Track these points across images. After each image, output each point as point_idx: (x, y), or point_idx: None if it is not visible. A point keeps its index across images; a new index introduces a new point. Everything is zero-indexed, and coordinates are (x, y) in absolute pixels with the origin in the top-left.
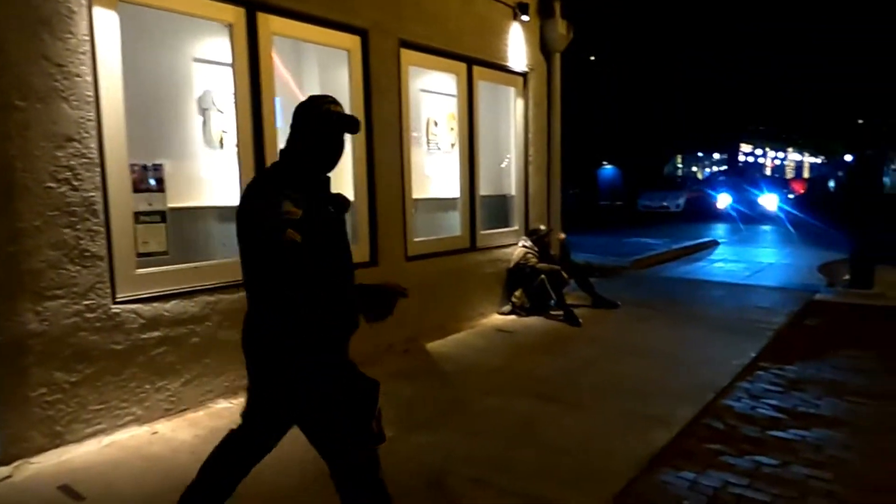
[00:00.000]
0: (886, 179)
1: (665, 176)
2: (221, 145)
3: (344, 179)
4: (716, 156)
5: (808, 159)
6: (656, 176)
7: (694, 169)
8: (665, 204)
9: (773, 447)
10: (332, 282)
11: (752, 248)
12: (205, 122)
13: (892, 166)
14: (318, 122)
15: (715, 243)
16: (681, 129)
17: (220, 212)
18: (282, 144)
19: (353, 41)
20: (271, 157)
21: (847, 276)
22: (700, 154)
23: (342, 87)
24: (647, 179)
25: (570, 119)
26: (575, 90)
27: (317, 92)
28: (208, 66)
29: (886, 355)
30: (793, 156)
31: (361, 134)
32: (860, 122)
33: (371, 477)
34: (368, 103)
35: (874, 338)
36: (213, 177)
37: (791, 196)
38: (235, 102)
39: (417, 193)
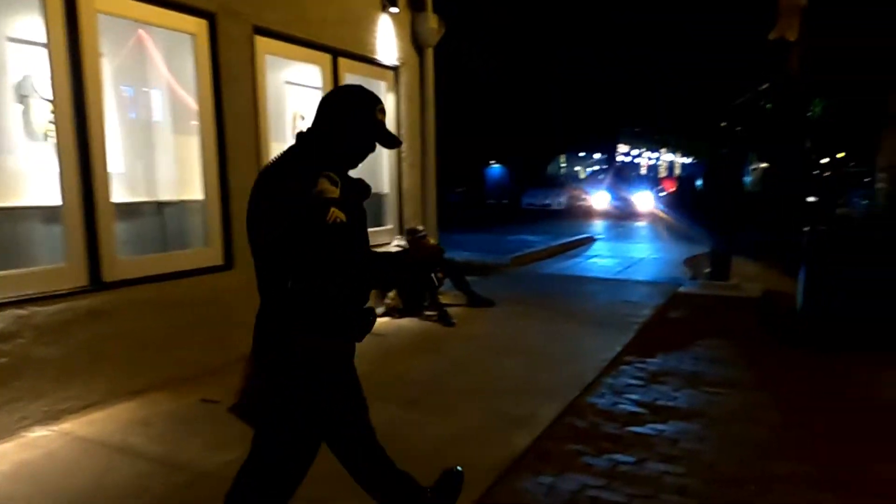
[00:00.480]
0: (746, 179)
1: (548, 175)
2: (46, 138)
3: (191, 176)
4: (596, 155)
5: (680, 159)
6: (541, 175)
7: (577, 168)
8: (548, 202)
9: (631, 444)
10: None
11: (627, 244)
12: (25, 111)
13: (751, 166)
14: (365, 128)
15: (592, 239)
16: (563, 128)
17: (45, 212)
18: (115, 140)
19: (199, 25)
20: (98, 152)
21: (708, 269)
22: (582, 154)
23: (189, 74)
24: (532, 178)
25: (456, 117)
26: (460, 88)
27: (163, 81)
28: (27, 47)
29: (741, 344)
30: (666, 156)
31: (210, 127)
32: (722, 124)
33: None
34: (218, 94)
35: (730, 328)
36: (35, 173)
37: (663, 194)
38: (52, 89)
39: None
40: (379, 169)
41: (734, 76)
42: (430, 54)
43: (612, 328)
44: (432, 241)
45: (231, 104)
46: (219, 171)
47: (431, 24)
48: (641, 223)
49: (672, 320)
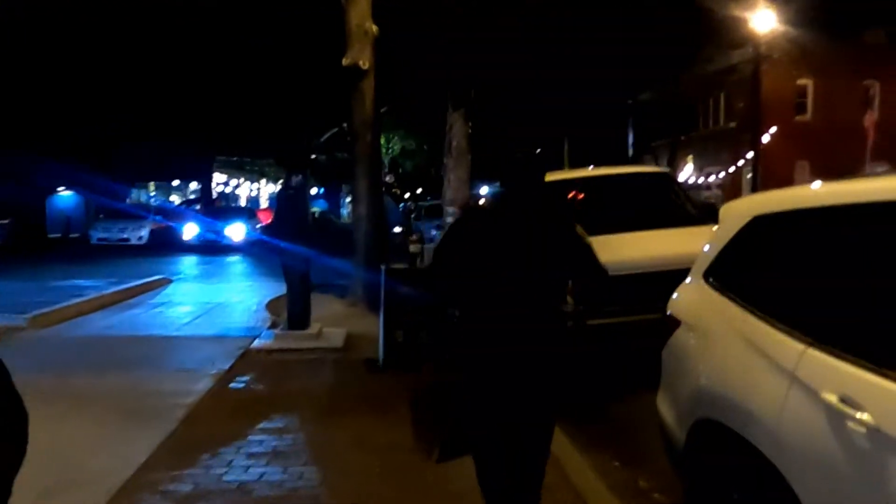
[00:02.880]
0: (344, 211)
1: (132, 205)
2: None
3: None
4: (193, 185)
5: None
6: (122, 204)
7: (174, 198)
8: (125, 236)
9: None
10: None
11: (210, 284)
12: None
13: (347, 199)
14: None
15: (166, 281)
16: (151, 153)
17: None
18: None
19: None
20: None
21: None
22: (176, 182)
23: None
24: (111, 208)
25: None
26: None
27: None
28: None
29: (314, 421)
30: (267, 186)
31: None
32: (314, 157)
33: None
34: None
35: (304, 396)
36: None
37: (259, 225)
38: None
39: None
40: None
41: (325, 107)
42: None
43: (145, 420)
44: None
45: None
46: None
47: None
48: (234, 258)
49: (233, 395)
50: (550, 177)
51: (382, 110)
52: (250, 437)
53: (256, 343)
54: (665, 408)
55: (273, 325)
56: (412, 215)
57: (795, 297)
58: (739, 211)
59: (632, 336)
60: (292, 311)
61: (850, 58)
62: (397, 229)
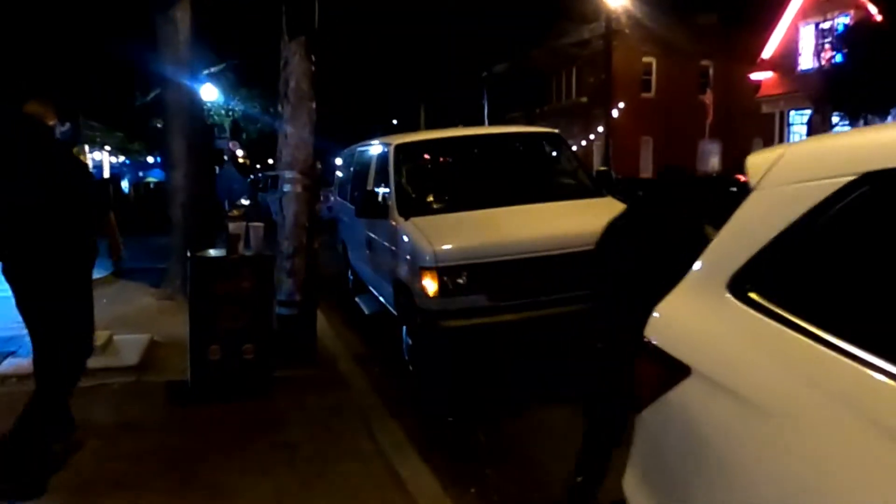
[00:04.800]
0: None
1: None
2: None
3: None
4: None
5: (111, 158)
6: None
7: None
8: None
9: None
10: None
11: None
12: None
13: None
14: None
15: None
16: None
17: None
18: None
19: None
20: None
21: None
22: None
23: None
24: None
25: None
26: None
27: None
28: None
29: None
30: (95, 153)
31: None
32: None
33: None
34: None
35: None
36: None
37: None
38: None
39: None
40: None
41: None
42: None
43: None
44: None
45: None
46: None
47: None
48: None
49: None
50: (409, 138)
51: (219, 67)
52: None
53: (5, 365)
54: None
55: None
56: (259, 186)
57: None
58: (813, 166)
59: (522, 338)
60: None
61: (687, 38)
62: (244, 201)
